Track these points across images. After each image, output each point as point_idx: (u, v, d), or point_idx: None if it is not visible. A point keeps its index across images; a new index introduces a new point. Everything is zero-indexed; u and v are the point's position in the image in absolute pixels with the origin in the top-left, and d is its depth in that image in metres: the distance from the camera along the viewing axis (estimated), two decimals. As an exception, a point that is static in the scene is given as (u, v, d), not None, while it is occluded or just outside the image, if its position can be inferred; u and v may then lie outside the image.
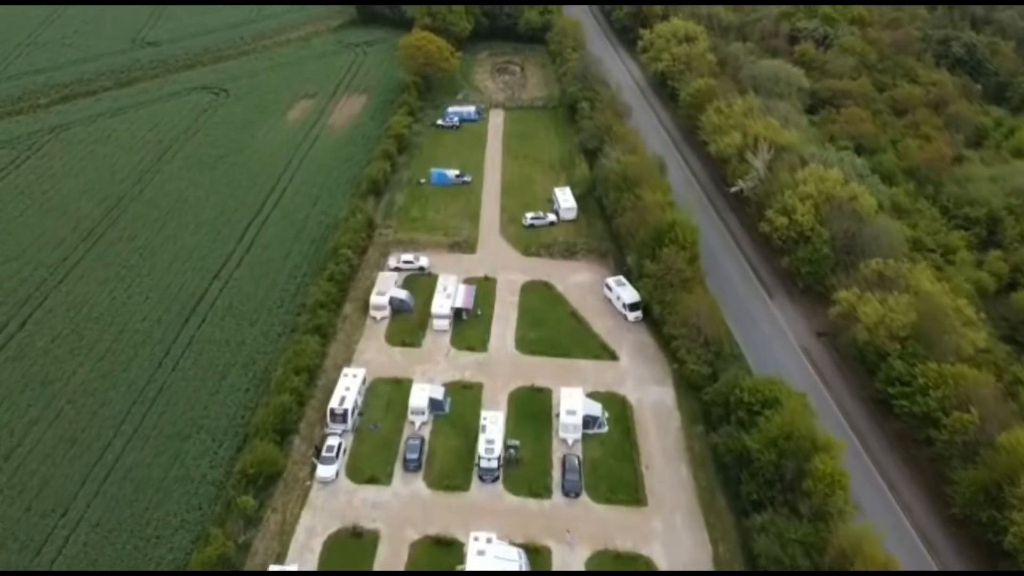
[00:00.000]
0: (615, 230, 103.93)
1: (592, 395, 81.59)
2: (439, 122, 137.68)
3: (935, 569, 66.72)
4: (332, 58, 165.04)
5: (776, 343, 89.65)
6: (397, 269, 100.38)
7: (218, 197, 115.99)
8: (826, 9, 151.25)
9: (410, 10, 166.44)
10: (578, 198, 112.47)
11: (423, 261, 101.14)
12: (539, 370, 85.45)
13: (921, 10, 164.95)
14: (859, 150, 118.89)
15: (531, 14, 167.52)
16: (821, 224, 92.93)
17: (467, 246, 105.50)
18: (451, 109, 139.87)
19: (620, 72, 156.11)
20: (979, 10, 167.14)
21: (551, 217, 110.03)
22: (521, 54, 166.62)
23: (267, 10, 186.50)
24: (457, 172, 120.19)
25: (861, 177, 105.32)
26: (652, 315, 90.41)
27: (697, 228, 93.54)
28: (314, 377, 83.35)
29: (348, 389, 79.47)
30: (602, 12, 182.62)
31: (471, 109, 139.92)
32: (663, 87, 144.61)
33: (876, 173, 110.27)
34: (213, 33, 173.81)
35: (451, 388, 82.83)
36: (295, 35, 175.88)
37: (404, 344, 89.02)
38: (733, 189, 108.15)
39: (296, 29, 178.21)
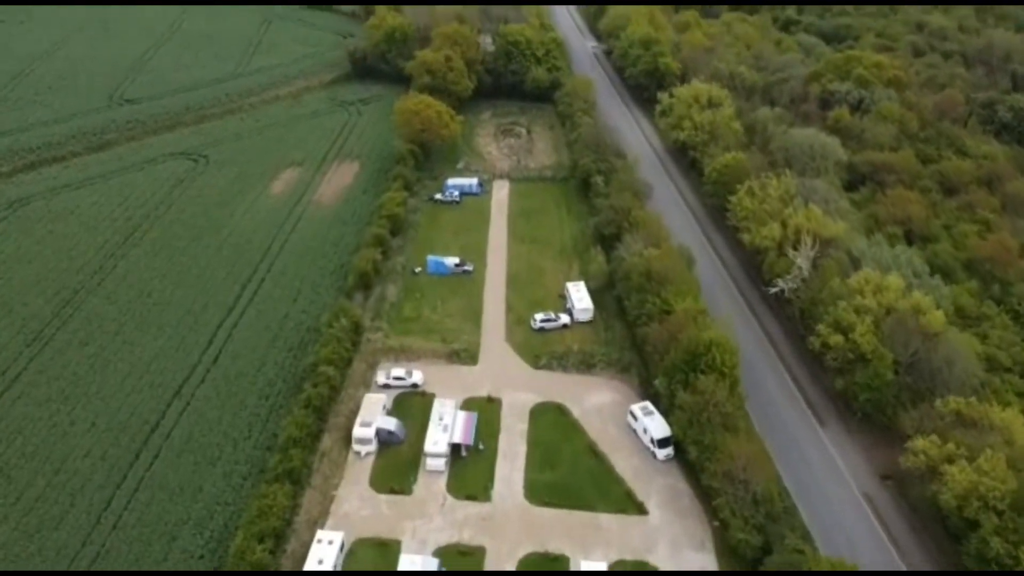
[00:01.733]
0: (638, 338, 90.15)
1: (617, 564, 67.46)
2: (437, 196, 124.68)
3: None
4: (324, 118, 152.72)
5: (833, 488, 75.51)
6: (387, 386, 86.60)
7: (187, 291, 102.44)
8: (859, 71, 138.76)
9: (408, 67, 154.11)
10: (594, 293, 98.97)
11: (416, 377, 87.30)
12: (553, 528, 71.22)
13: (959, 68, 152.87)
14: (909, 237, 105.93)
15: (538, 72, 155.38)
16: (882, 343, 79.18)
17: (468, 356, 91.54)
18: (451, 182, 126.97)
19: (636, 137, 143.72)
20: (1020, 68, 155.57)
21: (564, 319, 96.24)
22: (527, 114, 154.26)
23: (256, 63, 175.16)
24: (457, 260, 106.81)
25: (918, 277, 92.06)
26: (685, 453, 76.33)
27: (737, 349, 79.59)
28: (281, 541, 69.09)
29: (321, 563, 65.34)
30: (615, 69, 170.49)
31: (473, 182, 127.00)
32: (684, 155, 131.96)
33: (932, 267, 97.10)
34: (197, 90, 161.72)
35: (447, 555, 68.58)
36: (285, 91, 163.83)
37: (392, 491, 74.77)
38: (773, 290, 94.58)
39: (286, 84, 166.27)
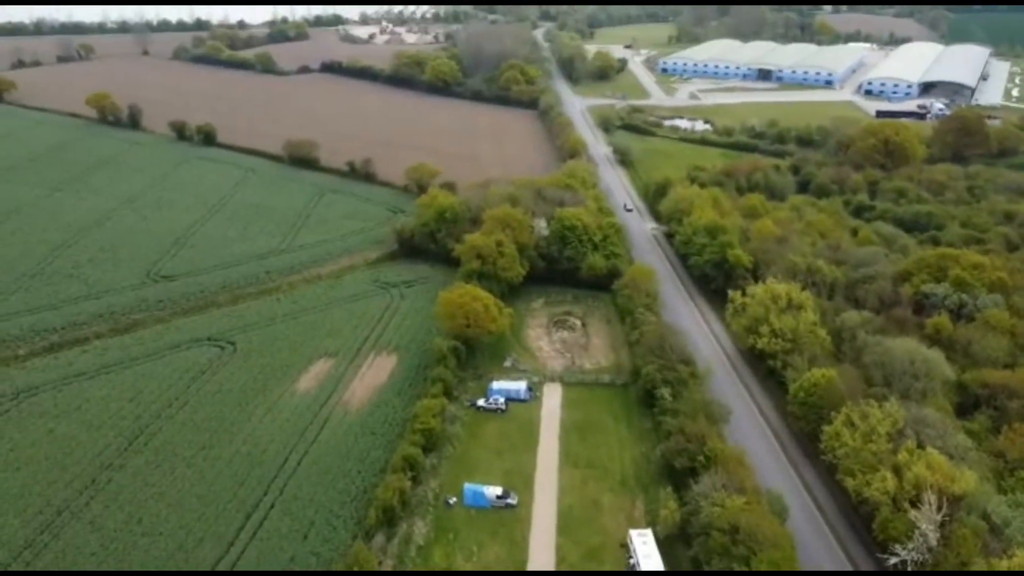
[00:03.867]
0: (722, 619, 71.56)
1: None
2: (480, 403, 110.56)
3: None
4: (364, 302, 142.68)
5: None
6: (402, 673, 68.99)
7: (183, 517, 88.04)
8: (956, 271, 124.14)
9: (458, 250, 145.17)
10: (663, 544, 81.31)
11: (441, 661, 69.65)
12: None
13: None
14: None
15: (595, 258, 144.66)
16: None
17: (507, 631, 73.87)
18: (496, 386, 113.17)
19: (704, 337, 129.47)
20: None
21: (627, 582, 78.52)
22: (582, 304, 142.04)
23: (302, 238, 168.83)
24: (499, 491, 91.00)
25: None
26: None
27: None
28: None
29: None
30: (677, 255, 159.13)
31: (521, 386, 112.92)
32: (761, 362, 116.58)
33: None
34: (238, 266, 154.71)
35: None
36: (327, 270, 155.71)
37: None
38: (891, 561, 75.77)
39: (329, 262, 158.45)
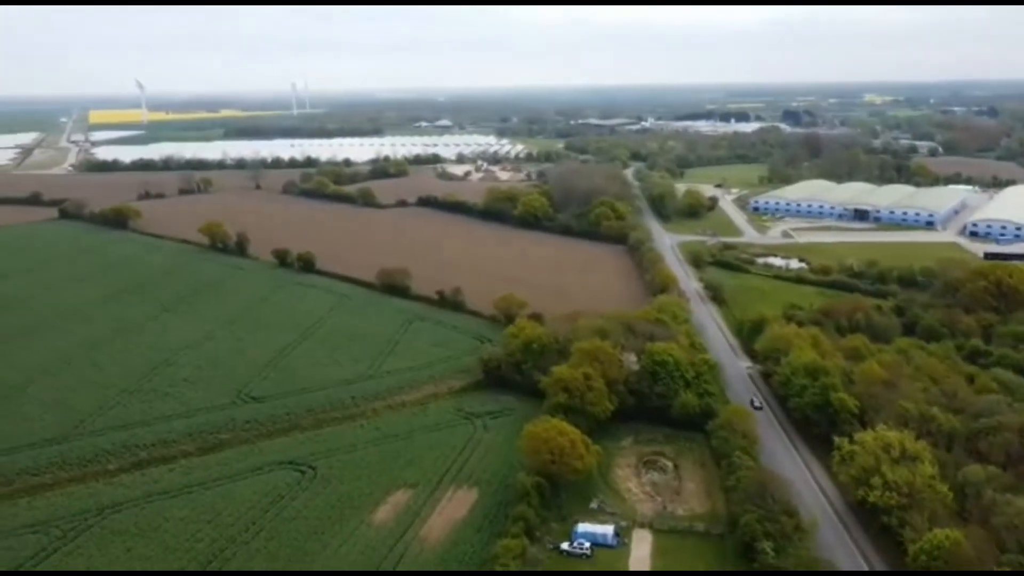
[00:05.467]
0: None
1: None
2: (564, 547, 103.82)
3: None
4: (447, 431, 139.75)
5: None
6: None
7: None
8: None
9: (544, 382, 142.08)
10: None
11: None
12: None
13: None
14: None
15: (688, 396, 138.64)
16: None
17: None
18: (581, 529, 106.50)
19: (806, 485, 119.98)
20: None
21: None
22: (674, 444, 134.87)
23: (389, 364, 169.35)
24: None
25: None
26: None
27: None
28: None
29: None
30: (775, 396, 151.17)
31: (608, 531, 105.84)
32: (873, 517, 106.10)
33: None
34: (324, 390, 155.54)
35: None
36: (411, 397, 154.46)
37: None
38: None
39: (414, 390, 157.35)
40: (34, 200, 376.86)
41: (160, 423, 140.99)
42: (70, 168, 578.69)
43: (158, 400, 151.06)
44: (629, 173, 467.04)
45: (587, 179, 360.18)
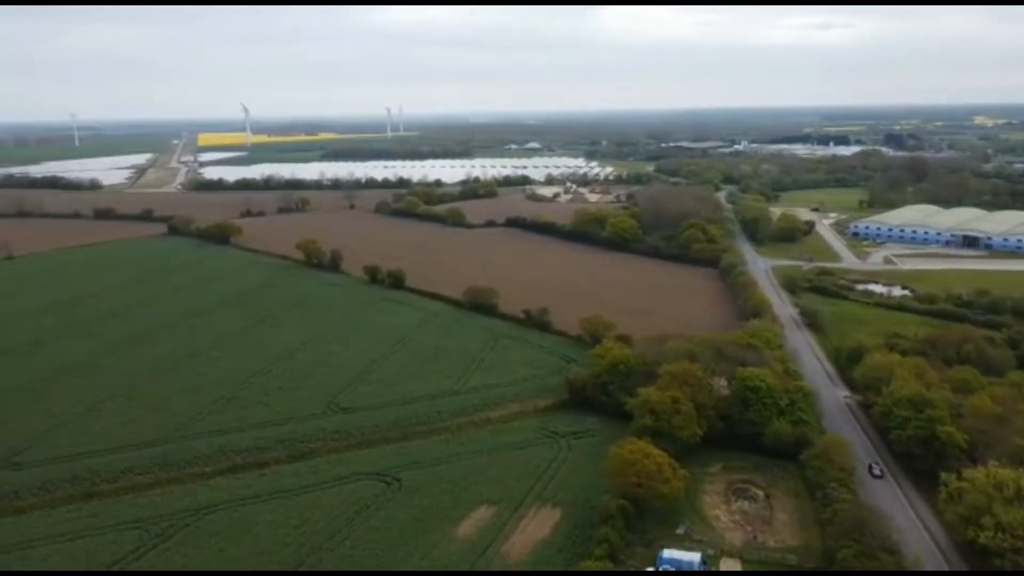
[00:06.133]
0: None
1: None
2: (650, 571, 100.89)
3: None
4: (531, 450, 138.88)
5: None
6: None
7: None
8: None
9: (630, 404, 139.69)
10: None
11: None
12: None
13: None
14: None
15: (781, 424, 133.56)
16: None
17: None
18: (667, 555, 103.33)
19: (909, 523, 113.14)
20: None
21: None
22: (765, 473, 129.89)
23: (474, 381, 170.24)
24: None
25: None
26: None
27: None
28: None
29: None
30: (875, 428, 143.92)
31: (695, 559, 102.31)
32: (983, 560, 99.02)
33: None
34: (411, 404, 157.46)
35: None
36: (496, 415, 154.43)
37: None
38: None
39: (499, 407, 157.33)
40: (146, 216, 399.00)
41: (254, 430, 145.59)
42: (179, 187, 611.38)
43: (252, 408, 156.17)
44: (721, 196, 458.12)
45: (678, 201, 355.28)
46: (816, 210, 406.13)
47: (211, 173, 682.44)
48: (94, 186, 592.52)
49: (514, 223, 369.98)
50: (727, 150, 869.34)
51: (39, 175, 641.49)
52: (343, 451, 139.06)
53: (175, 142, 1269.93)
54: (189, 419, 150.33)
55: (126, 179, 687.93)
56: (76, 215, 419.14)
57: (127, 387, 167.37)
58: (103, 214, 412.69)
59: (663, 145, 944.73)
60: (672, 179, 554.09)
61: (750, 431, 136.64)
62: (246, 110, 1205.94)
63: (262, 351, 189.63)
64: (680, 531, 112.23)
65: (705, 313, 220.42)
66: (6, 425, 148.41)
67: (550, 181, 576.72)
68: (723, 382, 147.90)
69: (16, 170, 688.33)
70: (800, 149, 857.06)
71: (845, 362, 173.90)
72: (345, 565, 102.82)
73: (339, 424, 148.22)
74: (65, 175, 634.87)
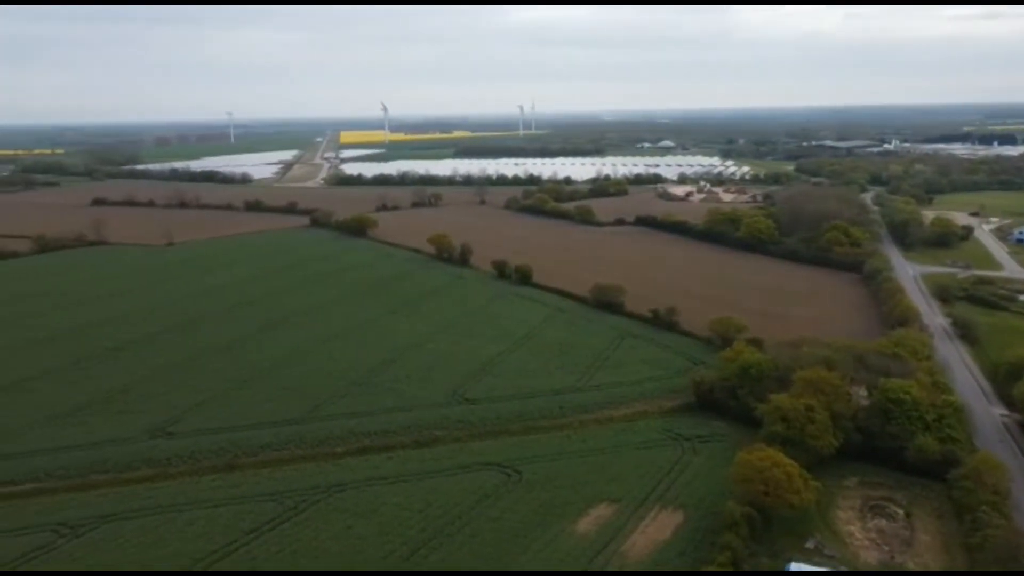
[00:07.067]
0: None
1: None
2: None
3: None
4: (654, 451, 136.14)
5: None
6: None
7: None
8: None
9: (760, 409, 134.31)
10: None
11: None
12: None
13: None
14: None
15: (926, 440, 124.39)
16: None
17: None
18: (794, 567, 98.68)
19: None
20: None
21: None
22: (906, 491, 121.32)
23: (598, 378, 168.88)
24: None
25: None
26: None
27: None
28: None
29: None
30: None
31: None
32: None
33: None
34: (533, 398, 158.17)
35: None
36: (619, 413, 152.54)
37: None
38: None
39: (623, 406, 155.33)
40: (290, 209, 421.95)
41: (382, 415, 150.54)
42: (321, 181, 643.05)
43: (381, 394, 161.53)
44: (867, 197, 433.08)
45: (819, 202, 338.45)
46: (975, 214, 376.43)
47: (351, 169, 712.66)
48: (245, 180, 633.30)
49: (644, 222, 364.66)
50: (875, 149, 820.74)
51: (198, 170, 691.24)
52: (466, 440, 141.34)
53: (318, 139, 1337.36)
54: (322, 401, 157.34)
55: (274, 174, 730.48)
56: (228, 206, 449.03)
57: (267, 368, 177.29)
58: (252, 206, 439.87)
59: (804, 144, 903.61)
60: (813, 179, 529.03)
61: (891, 445, 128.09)
62: (385, 109, 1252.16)
63: (392, 340, 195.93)
64: (810, 545, 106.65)
65: (845, 319, 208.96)
66: (163, 397, 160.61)
67: (683, 180, 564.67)
68: (863, 392, 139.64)
69: (179, 165, 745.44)
70: (959, 149, 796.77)
71: (1003, 378, 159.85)
72: (465, 551, 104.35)
73: (463, 414, 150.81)
74: (220, 170, 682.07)
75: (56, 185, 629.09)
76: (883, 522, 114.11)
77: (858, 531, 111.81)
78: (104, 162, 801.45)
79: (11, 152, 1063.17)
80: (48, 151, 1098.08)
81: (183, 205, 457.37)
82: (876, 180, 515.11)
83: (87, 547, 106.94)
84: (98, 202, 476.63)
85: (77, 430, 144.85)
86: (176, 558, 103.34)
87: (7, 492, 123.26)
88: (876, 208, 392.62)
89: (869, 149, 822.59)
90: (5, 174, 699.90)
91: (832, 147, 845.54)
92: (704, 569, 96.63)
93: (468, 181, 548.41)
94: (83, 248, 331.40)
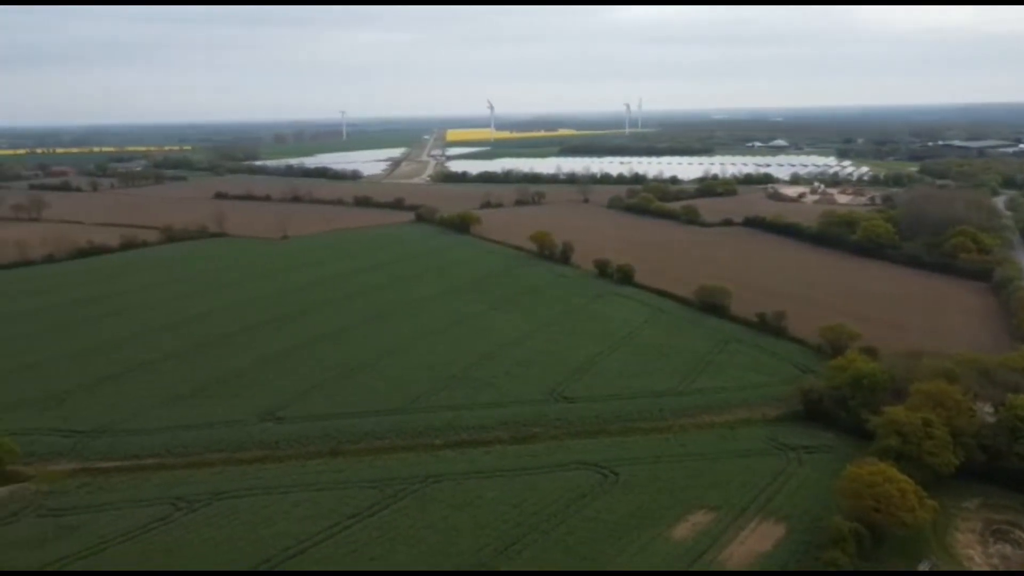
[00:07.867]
0: None
1: None
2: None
3: None
4: (756, 459, 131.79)
5: None
6: None
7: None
8: None
9: (873, 422, 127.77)
10: None
11: None
12: None
13: None
14: None
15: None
16: None
17: None
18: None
19: None
20: None
21: None
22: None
23: (700, 382, 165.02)
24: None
25: None
26: None
27: None
28: None
29: None
30: None
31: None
32: None
33: None
34: (632, 399, 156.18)
35: None
36: (721, 419, 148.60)
37: None
38: None
39: (725, 411, 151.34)
40: (397, 205, 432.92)
41: (480, 409, 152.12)
42: (428, 178, 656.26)
43: (480, 388, 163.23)
44: (999, 201, 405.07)
45: (943, 205, 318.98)
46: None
47: (456, 166, 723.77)
48: (355, 176, 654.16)
49: (752, 223, 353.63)
50: (1009, 150, 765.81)
51: (312, 166, 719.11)
52: (563, 439, 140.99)
53: (425, 137, 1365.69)
54: (424, 393, 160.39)
55: (382, 170, 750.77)
56: (339, 202, 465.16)
57: (372, 358, 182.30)
58: (361, 201, 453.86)
59: (930, 144, 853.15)
60: (939, 181, 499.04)
61: (1019, 466, 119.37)
62: (491, 107, 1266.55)
63: (492, 336, 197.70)
64: (924, 566, 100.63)
65: (970, 331, 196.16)
66: (274, 383, 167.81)
67: (795, 180, 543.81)
68: (988, 408, 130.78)
69: (294, 161, 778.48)
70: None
71: None
72: (557, 550, 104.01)
73: (560, 412, 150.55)
74: (332, 166, 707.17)
75: (184, 179, 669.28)
76: (1008, 548, 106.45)
77: (978, 555, 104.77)
78: (226, 158, 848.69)
79: (144, 148, 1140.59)
80: (176, 147, 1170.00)
81: (297, 199, 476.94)
82: (1010, 183, 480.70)
83: (201, 522, 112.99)
84: (220, 196, 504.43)
85: (195, 411, 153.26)
86: (282, 537, 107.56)
87: (133, 465, 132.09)
88: (1009, 213, 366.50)
89: (1002, 149, 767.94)
90: (138, 169, 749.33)
91: (961, 147, 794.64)
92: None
93: (572, 179, 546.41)
94: (206, 239, 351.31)
